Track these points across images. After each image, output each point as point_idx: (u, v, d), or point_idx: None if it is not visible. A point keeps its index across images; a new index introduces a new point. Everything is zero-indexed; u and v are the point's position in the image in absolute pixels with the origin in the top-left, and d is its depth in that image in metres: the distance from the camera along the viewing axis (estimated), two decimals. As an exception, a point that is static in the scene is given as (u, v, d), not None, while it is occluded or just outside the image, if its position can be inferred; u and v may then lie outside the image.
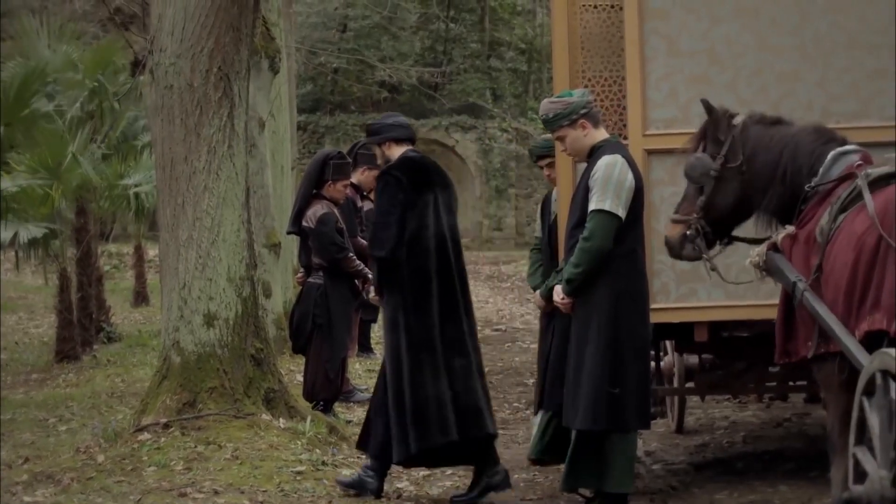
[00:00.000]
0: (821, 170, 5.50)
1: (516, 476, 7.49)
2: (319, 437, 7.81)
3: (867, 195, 5.08)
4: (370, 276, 7.88)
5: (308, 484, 6.89)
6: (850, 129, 6.20)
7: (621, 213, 6.28)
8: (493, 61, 35.16)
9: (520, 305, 19.09)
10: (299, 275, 9.81)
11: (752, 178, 5.78)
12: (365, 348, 12.82)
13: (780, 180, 5.65)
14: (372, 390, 7.48)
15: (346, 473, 7.07)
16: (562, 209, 7.03)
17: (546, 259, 7.82)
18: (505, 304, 19.76)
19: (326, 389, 9.29)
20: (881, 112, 6.88)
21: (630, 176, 6.33)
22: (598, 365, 6.25)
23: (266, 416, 7.75)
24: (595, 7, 7.25)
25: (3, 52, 19.14)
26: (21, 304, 21.54)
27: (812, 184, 5.49)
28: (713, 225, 5.92)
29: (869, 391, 4.50)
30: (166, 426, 7.56)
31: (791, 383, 7.82)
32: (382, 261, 6.78)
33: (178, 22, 7.86)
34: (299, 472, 7.05)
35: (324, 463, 7.32)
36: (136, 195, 16.22)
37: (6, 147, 14.72)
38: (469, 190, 32.61)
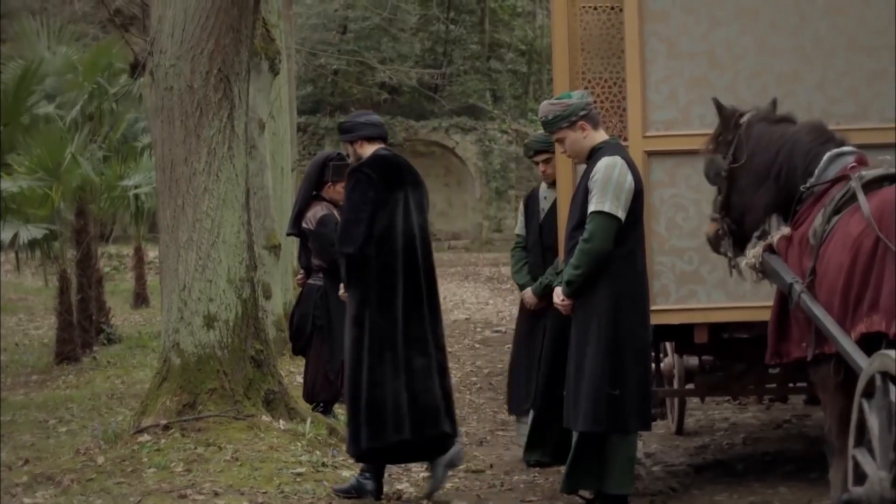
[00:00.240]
0: (816, 171, 5.47)
1: (516, 478, 7.50)
2: (319, 438, 7.81)
3: (861, 197, 5.05)
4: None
5: (308, 485, 6.88)
6: (849, 130, 6.18)
7: (621, 214, 6.28)
8: (493, 63, 35.18)
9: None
10: (299, 276, 9.80)
11: (753, 177, 5.77)
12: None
13: (774, 179, 5.63)
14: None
15: (345, 476, 7.06)
16: (561, 210, 7.03)
17: (535, 256, 7.82)
18: (505, 305, 19.76)
19: (326, 391, 9.28)
20: (881, 114, 6.88)
21: (630, 177, 6.32)
22: (598, 366, 6.24)
23: (266, 418, 7.75)
24: (595, 9, 7.25)
25: (3, 53, 19.15)
26: (21, 305, 21.53)
27: (807, 185, 5.48)
28: (738, 224, 5.91)
29: (868, 393, 4.50)
30: (166, 428, 7.56)
31: (791, 385, 7.81)
32: (350, 257, 6.80)
33: (178, 23, 7.86)
34: (299, 474, 7.05)
35: (324, 464, 7.32)
36: (136, 197, 16.24)
37: (6, 148, 14.72)
38: (469, 191, 32.65)
